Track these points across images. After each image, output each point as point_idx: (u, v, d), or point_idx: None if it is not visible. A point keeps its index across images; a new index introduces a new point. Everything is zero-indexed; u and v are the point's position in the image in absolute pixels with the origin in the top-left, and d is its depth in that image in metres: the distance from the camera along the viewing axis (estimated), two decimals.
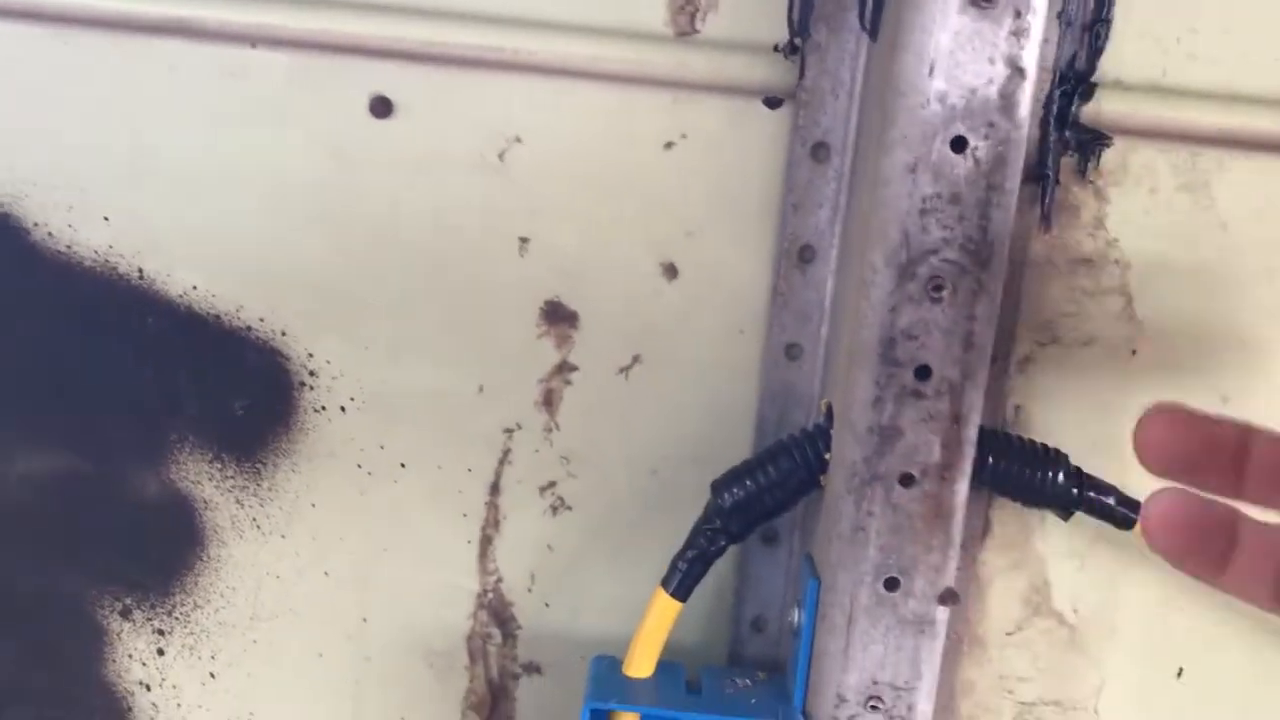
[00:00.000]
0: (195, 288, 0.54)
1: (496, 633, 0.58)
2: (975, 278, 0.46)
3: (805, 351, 0.54)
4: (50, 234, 0.54)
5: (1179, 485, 0.33)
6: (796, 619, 0.52)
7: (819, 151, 0.52)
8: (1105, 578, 0.55)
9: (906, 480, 0.48)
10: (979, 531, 0.55)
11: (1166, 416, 0.36)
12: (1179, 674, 0.56)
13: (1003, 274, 0.46)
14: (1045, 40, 0.50)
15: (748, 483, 0.51)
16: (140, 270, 0.54)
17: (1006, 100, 0.44)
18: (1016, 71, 0.44)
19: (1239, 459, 0.35)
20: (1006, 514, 0.55)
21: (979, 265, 0.45)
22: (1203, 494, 0.34)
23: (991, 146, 0.44)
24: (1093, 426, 0.54)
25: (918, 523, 0.48)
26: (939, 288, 0.46)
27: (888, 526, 0.48)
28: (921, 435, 0.47)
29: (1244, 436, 0.36)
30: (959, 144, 0.44)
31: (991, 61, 0.44)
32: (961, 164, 0.45)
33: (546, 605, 0.58)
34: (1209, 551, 0.33)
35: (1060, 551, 0.55)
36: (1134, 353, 0.53)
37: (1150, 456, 0.36)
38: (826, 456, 0.50)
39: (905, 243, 0.45)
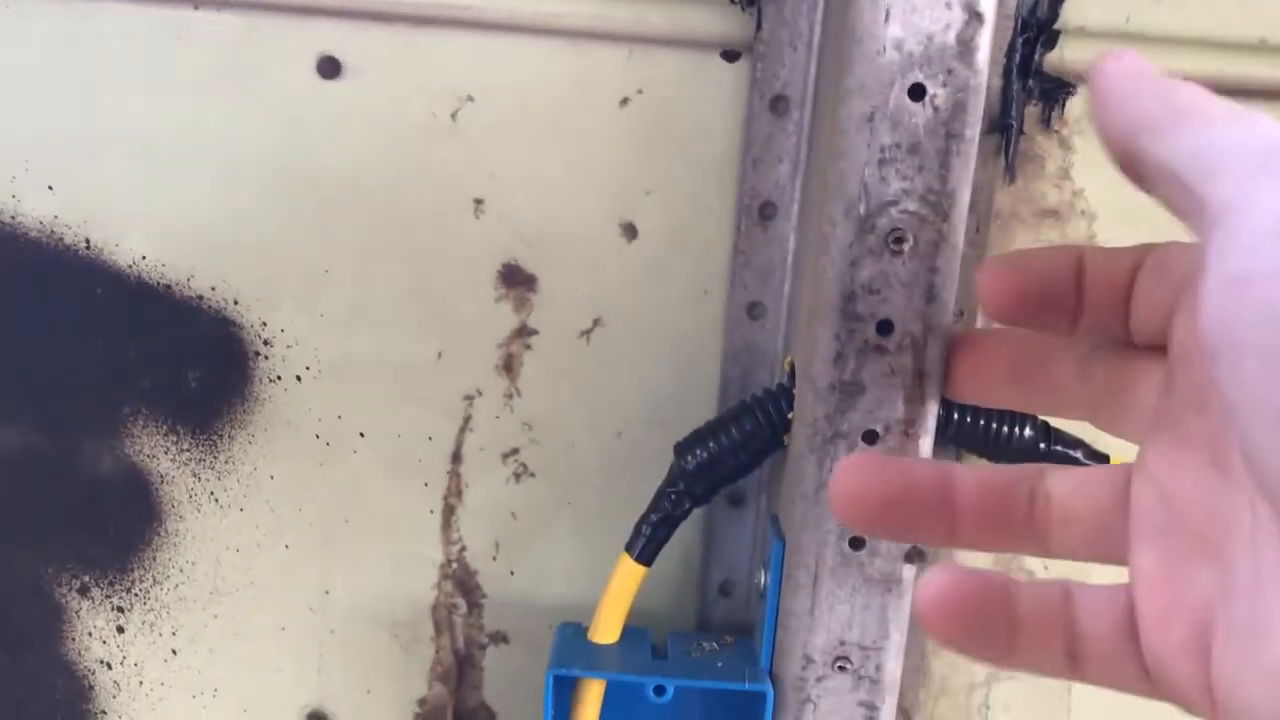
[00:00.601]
0: (144, 257, 0.53)
1: (462, 602, 0.57)
2: (936, 229, 0.45)
3: (768, 310, 0.53)
4: None
5: (950, 565, 0.32)
6: (762, 581, 0.52)
7: (778, 105, 0.51)
8: None
9: (870, 437, 0.47)
10: None
11: (856, 465, 0.34)
12: None
13: (963, 225, 0.45)
14: None
15: (710, 444, 0.50)
16: (87, 240, 0.53)
17: (964, 46, 0.43)
18: (974, 16, 0.43)
19: (946, 501, 0.34)
20: None
21: (939, 216, 0.45)
22: (973, 570, 0.32)
23: (950, 94, 0.43)
24: None
25: None
26: (899, 240, 0.45)
27: None
28: (884, 391, 0.46)
29: (944, 477, 0.34)
30: (917, 92, 0.43)
31: (949, 6, 0.43)
32: (920, 112, 0.44)
33: (512, 573, 0.57)
34: (992, 632, 0.32)
35: None
36: None
37: (843, 510, 0.34)
38: (790, 415, 0.49)
39: (864, 194, 0.44)
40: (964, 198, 0.45)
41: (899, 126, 0.44)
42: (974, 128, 0.44)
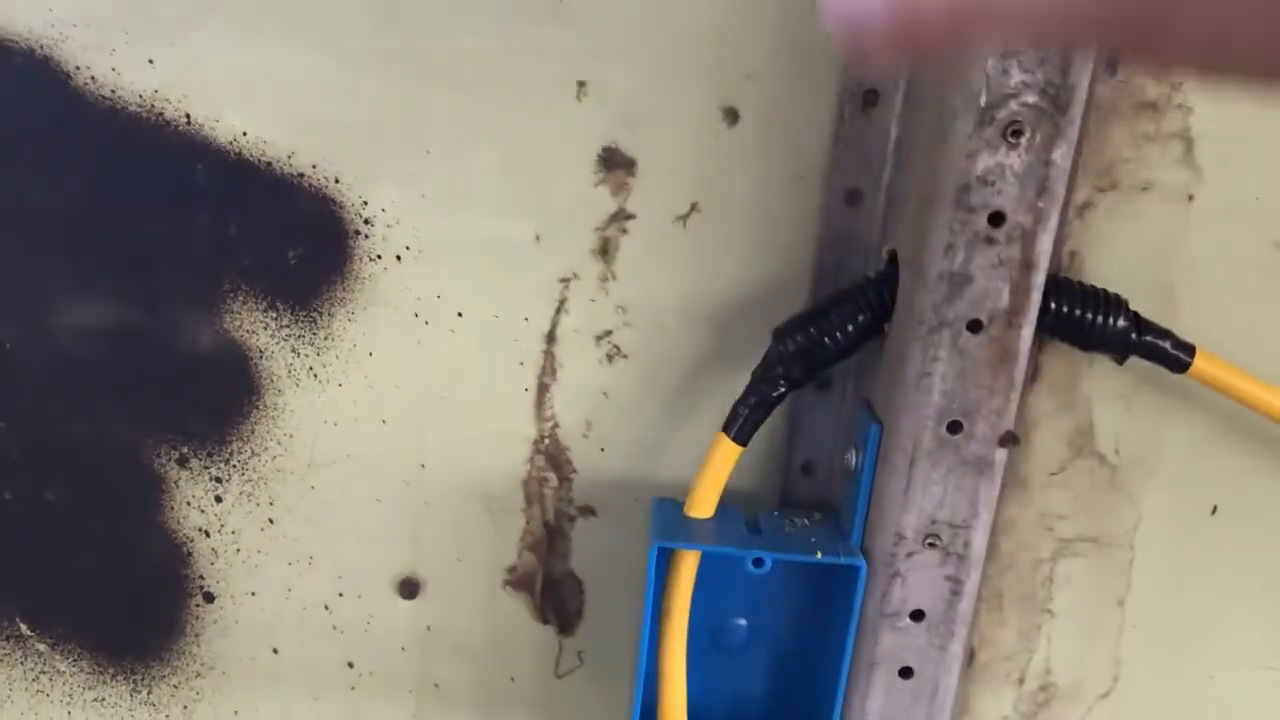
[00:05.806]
0: (245, 134, 0.53)
1: (552, 476, 0.59)
2: (1054, 122, 0.45)
3: (866, 197, 0.54)
4: (93, 78, 0.52)
5: None
6: (854, 462, 0.53)
7: None
8: (1149, 419, 0.57)
9: (974, 326, 0.48)
10: (1029, 376, 0.56)
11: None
12: (1213, 511, 0.58)
13: (1079, 120, 0.46)
14: None
15: (810, 330, 0.51)
16: (188, 116, 0.53)
17: None
18: None
19: None
20: (1055, 358, 0.56)
21: (1058, 110, 0.45)
22: None
23: None
24: (1146, 272, 0.54)
25: (983, 368, 0.49)
26: (1017, 133, 0.45)
27: (953, 372, 0.49)
28: (991, 281, 0.48)
29: None
30: None
31: None
32: None
33: (602, 450, 0.59)
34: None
35: (1106, 395, 0.57)
36: (1191, 198, 0.54)
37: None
38: (890, 304, 0.50)
39: (985, 86, 0.45)
40: (1082, 93, 0.45)
41: None
42: None
